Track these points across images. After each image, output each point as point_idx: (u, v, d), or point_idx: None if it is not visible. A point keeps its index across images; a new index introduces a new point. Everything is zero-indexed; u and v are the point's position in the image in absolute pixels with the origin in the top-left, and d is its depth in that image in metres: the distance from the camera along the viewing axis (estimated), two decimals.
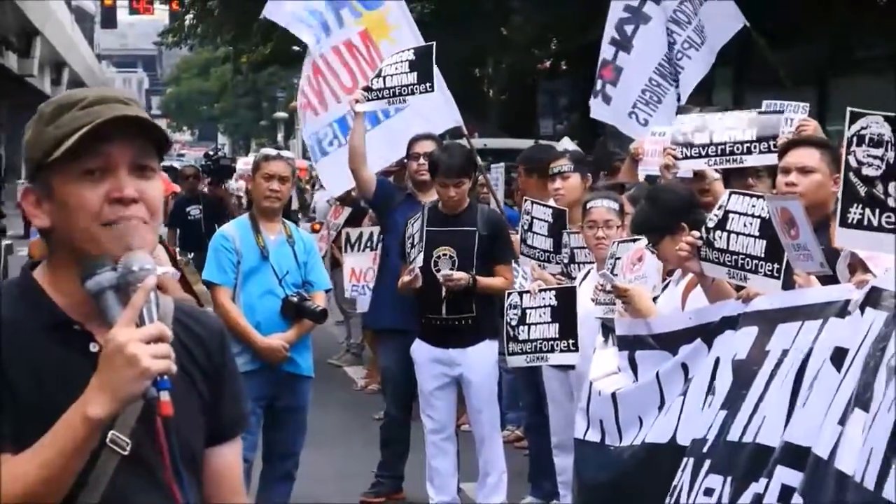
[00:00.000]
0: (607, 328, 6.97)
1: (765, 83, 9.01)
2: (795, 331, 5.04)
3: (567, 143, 10.86)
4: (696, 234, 5.81)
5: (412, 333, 9.14)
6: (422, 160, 9.54)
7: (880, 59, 17.01)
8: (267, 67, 38.18)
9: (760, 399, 5.09)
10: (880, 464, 3.95)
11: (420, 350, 9.00)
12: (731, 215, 5.63)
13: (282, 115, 65.57)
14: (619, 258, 7.00)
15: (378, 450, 9.85)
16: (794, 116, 8.02)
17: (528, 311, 8.05)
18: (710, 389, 5.55)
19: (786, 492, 4.71)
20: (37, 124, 2.85)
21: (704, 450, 5.34)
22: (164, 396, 2.66)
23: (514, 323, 8.13)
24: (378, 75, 9.64)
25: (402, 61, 9.60)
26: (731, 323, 5.60)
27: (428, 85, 9.48)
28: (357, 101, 9.61)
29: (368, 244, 11.92)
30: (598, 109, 10.49)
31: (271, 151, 8.85)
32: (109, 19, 57.12)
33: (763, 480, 4.86)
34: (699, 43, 10.37)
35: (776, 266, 5.41)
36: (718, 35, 10.59)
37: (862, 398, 4.25)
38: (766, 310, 5.37)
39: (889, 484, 3.88)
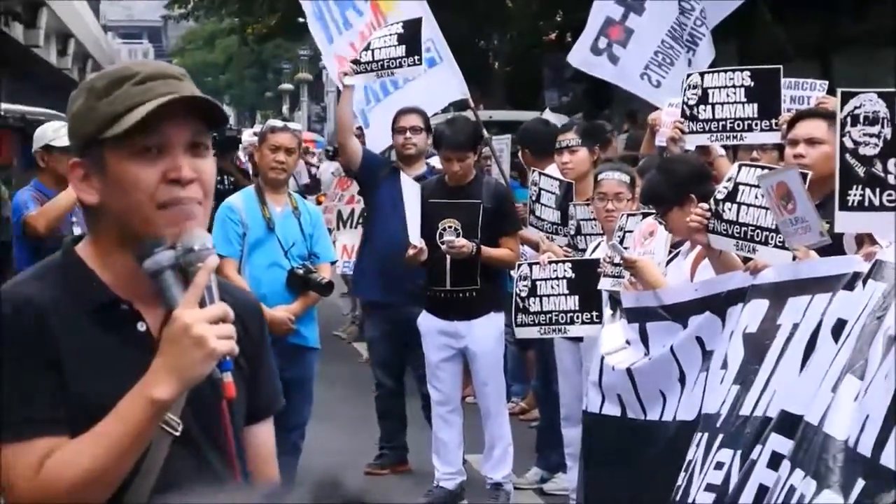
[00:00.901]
0: (615, 301, 6.96)
1: (768, 58, 8.94)
2: (806, 304, 5.03)
3: (549, 117, 10.85)
4: (705, 205, 5.80)
5: (395, 306, 9.25)
6: (408, 134, 9.54)
7: (883, 31, 16.95)
8: (272, 39, 38.12)
9: (772, 373, 5.09)
10: (878, 431, 3.95)
11: (426, 322, 9.01)
12: (741, 187, 5.61)
13: (287, 86, 65.43)
14: (628, 231, 6.99)
15: None
16: (812, 94, 8.00)
17: (538, 283, 8.02)
18: (724, 364, 5.54)
19: (775, 458, 4.74)
20: (87, 97, 2.75)
21: (718, 424, 5.34)
22: (228, 378, 2.62)
23: (523, 294, 8.10)
24: (367, 48, 9.61)
25: (390, 34, 9.57)
26: (740, 296, 5.59)
27: (416, 58, 9.44)
28: (346, 75, 9.60)
29: (360, 221, 11.89)
30: (601, 69, 10.41)
31: (277, 123, 8.84)
32: None
33: (758, 448, 4.89)
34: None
35: None
36: (719, 9, 10.57)
37: (856, 366, 4.26)
38: (776, 282, 5.36)
39: (887, 451, 3.89)
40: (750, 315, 5.46)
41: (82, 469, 2.60)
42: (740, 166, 5.83)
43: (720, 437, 5.27)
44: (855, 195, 4.63)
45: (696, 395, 5.83)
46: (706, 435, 5.43)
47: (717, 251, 5.89)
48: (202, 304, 2.62)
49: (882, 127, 4.57)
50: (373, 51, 9.54)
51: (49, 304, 2.70)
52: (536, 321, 8.07)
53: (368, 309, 10.30)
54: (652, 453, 6.13)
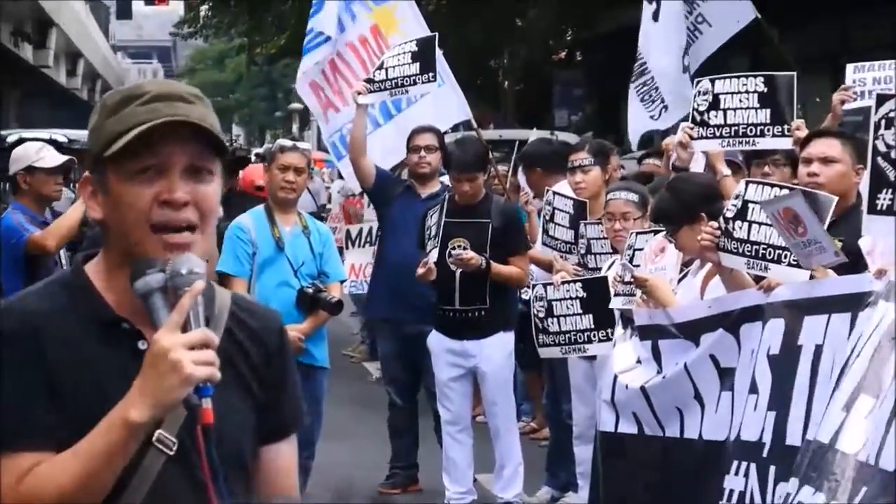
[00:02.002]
0: (627, 319, 6.93)
1: (781, 70, 8.95)
2: (824, 324, 4.98)
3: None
4: (715, 224, 5.77)
5: (404, 323, 9.31)
6: (422, 153, 9.54)
7: (891, 42, 16.96)
8: (282, 59, 38.18)
9: (810, 401, 5.00)
10: (881, 439, 3.96)
11: (435, 341, 8.99)
12: (750, 205, 5.57)
13: (297, 106, 65.46)
14: (637, 249, 6.96)
15: None
16: (891, 74, 7.94)
17: (554, 303, 8.01)
18: (753, 388, 5.47)
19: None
20: (100, 114, 2.79)
21: (764, 454, 5.24)
22: (206, 404, 2.61)
23: (541, 315, 8.08)
24: (380, 67, 9.64)
25: (404, 52, 9.63)
26: (753, 314, 5.54)
27: (430, 75, 9.50)
28: (359, 94, 9.62)
29: (368, 239, 11.88)
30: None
31: (287, 142, 8.84)
32: (125, 10, 57.15)
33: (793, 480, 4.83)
34: (710, 23, 10.46)
35: None
36: (729, 25, 10.63)
37: (870, 385, 4.23)
38: (790, 300, 5.31)
39: (886, 453, 3.87)
40: (770, 336, 5.40)
41: (59, 485, 2.61)
42: (748, 183, 5.78)
43: (773, 469, 5.18)
44: (884, 199, 4.58)
45: (723, 416, 5.75)
46: (754, 465, 5.32)
47: (727, 269, 5.85)
48: (187, 328, 2.62)
49: None
50: (386, 69, 9.57)
51: (50, 319, 2.72)
52: (557, 341, 8.06)
53: (380, 326, 10.30)
54: (676, 470, 6.08)
